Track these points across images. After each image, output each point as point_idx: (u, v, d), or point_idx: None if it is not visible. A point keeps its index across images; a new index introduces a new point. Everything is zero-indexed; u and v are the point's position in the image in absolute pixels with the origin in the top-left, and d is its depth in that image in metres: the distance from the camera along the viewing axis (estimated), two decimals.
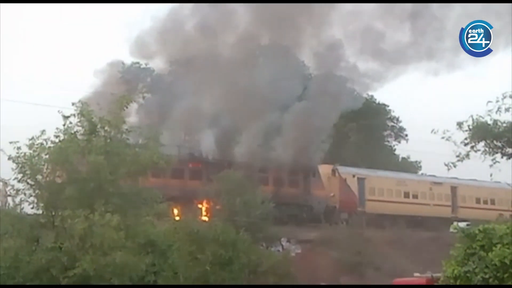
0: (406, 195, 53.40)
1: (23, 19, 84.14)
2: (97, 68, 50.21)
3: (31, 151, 26.44)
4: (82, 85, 67.98)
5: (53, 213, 26.55)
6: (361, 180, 51.41)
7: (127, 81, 50.06)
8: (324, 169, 49.73)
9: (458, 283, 20.26)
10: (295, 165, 47.15)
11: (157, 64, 51.67)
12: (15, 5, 64.86)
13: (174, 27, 49.11)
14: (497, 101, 26.99)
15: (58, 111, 27.38)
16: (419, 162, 67.46)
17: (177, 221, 35.46)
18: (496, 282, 19.62)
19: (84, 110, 27.12)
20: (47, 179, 26.72)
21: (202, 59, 48.37)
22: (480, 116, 27.64)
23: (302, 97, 48.37)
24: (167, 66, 52.41)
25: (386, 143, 65.38)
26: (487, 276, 19.67)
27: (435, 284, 24.72)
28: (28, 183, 26.52)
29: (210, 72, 46.65)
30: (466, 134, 27.95)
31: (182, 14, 49.17)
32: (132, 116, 40.13)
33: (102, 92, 43.78)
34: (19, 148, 26.38)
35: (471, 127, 27.76)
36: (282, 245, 42.65)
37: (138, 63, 51.96)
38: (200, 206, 42.28)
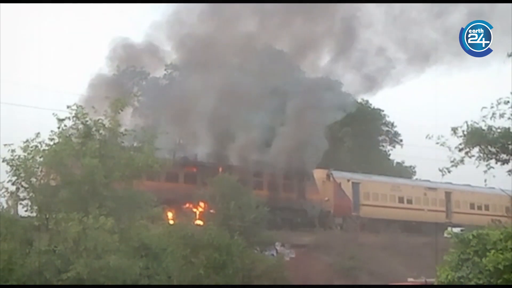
0: (401, 200, 53.42)
1: (17, 20, 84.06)
2: (92, 71, 50.22)
3: (25, 154, 26.44)
4: (77, 88, 67.94)
5: (47, 216, 26.53)
6: (355, 185, 51.41)
7: (122, 84, 50.03)
8: (319, 174, 49.72)
9: None
10: (289, 170, 47.15)
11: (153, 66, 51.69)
12: (11, 6, 64.67)
13: (174, 26, 49.17)
14: (492, 107, 27.06)
15: (53, 113, 27.43)
16: (414, 167, 67.57)
17: (171, 224, 35.42)
18: None
19: (79, 113, 27.14)
20: (42, 181, 26.72)
21: (197, 62, 48.36)
22: (475, 122, 27.69)
23: (297, 101, 48.35)
24: (163, 69, 52.45)
25: (381, 148, 65.42)
26: (481, 282, 19.69)
27: None
28: (22, 185, 26.51)
29: (206, 76, 46.62)
30: (460, 140, 27.97)
31: (184, 13, 49.19)
32: (127, 119, 40.08)
33: (97, 95, 43.72)
34: (13, 150, 26.38)
35: (465, 132, 27.80)
36: (276, 250, 42.61)
37: (133, 66, 51.95)
38: (194, 209, 42.25)
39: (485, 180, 29.15)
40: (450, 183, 52.96)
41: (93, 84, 48.04)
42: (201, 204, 41.94)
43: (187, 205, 41.88)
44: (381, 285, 35.61)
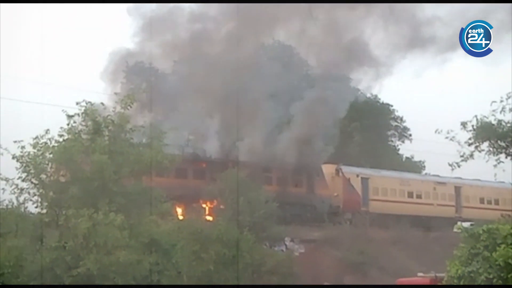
0: (410, 195, 53.33)
1: (26, 17, 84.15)
2: (101, 67, 50.24)
3: (35, 150, 26.53)
4: (86, 84, 68.03)
5: (57, 212, 26.63)
6: (364, 180, 51.35)
7: (131, 80, 50.07)
8: (328, 169, 49.70)
9: (462, 283, 20.28)
10: (299, 165, 47.14)
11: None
12: (18, 4, 64.79)
13: (178, 25, 49.06)
14: (502, 101, 27.04)
15: (62, 110, 27.50)
16: (423, 162, 67.37)
17: (180, 220, 35.50)
18: (500, 282, 19.64)
19: (88, 109, 27.20)
20: (51, 178, 26.81)
21: (206, 58, 48.33)
22: (484, 116, 27.66)
23: (306, 96, 48.33)
24: (171, 65, 52.42)
25: (390, 142, 65.27)
26: (491, 276, 19.70)
27: (439, 284, 24.72)
28: (32, 182, 26.60)
29: (214, 71, 46.60)
30: (470, 134, 27.96)
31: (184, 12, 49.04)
32: (136, 115, 40.12)
33: (106, 91, 43.84)
34: (23, 147, 26.48)
35: (475, 127, 27.78)
36: (286, 245, 42.65)
37: (142, 62, 51.97)
38: (203, 205, 42.30)
39: (495, 175, 29.10)
40: (460, 178, 52.87)
41: (102, 80, 48.17)
42: (210, 199, 42.00)
43: (197, 200, 41.94)
44: (389, 285, 35.50)
